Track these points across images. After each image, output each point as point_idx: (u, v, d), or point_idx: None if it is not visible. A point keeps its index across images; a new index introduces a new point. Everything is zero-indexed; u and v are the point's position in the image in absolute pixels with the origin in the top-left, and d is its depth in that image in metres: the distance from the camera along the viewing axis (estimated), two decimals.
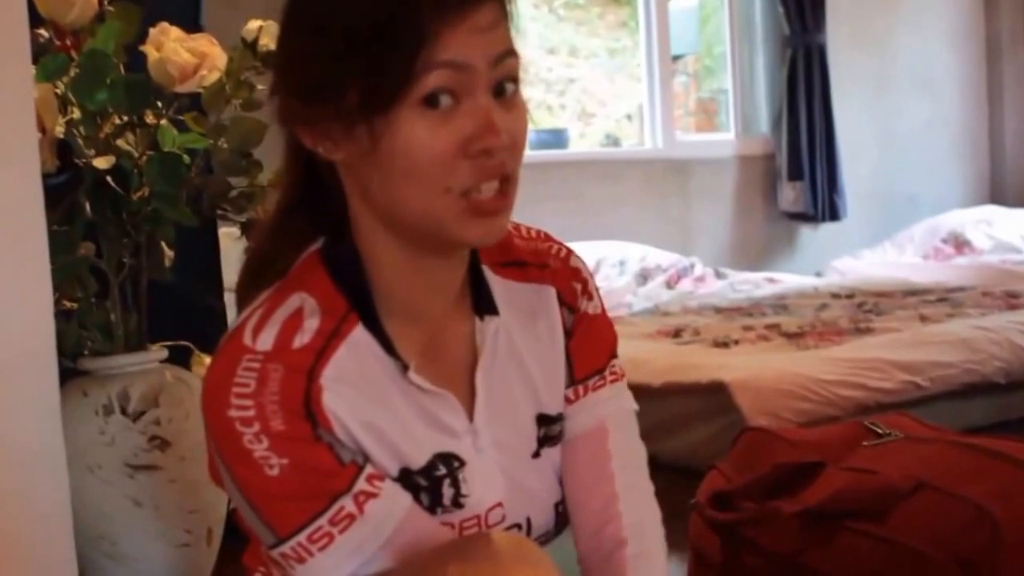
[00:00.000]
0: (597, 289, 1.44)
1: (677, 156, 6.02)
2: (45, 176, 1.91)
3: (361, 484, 1.20)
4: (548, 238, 1.43)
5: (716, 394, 3.38)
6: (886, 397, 3.45)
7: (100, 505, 2.12)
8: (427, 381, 1.26)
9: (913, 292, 4.89)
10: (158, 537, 2.17)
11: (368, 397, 1.23)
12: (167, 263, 2.29)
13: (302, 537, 1.19)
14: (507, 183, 1.20)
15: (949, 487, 1.69)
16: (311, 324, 1.22)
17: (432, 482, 1.26)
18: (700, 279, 5.45)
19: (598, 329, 1.42)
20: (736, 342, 4.01)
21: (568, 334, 1.39)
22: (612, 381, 1.42)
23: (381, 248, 1.25)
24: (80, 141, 2.11)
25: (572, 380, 1.39)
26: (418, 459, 1.26)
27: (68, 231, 2.12)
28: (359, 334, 1.24)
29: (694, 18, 6.59)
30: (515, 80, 1.20)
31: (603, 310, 1.43)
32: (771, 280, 5.45)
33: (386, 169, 1.17)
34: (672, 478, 3.39)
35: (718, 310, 4.75)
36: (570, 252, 1.42)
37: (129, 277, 2.25)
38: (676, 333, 4.24)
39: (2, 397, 1.78)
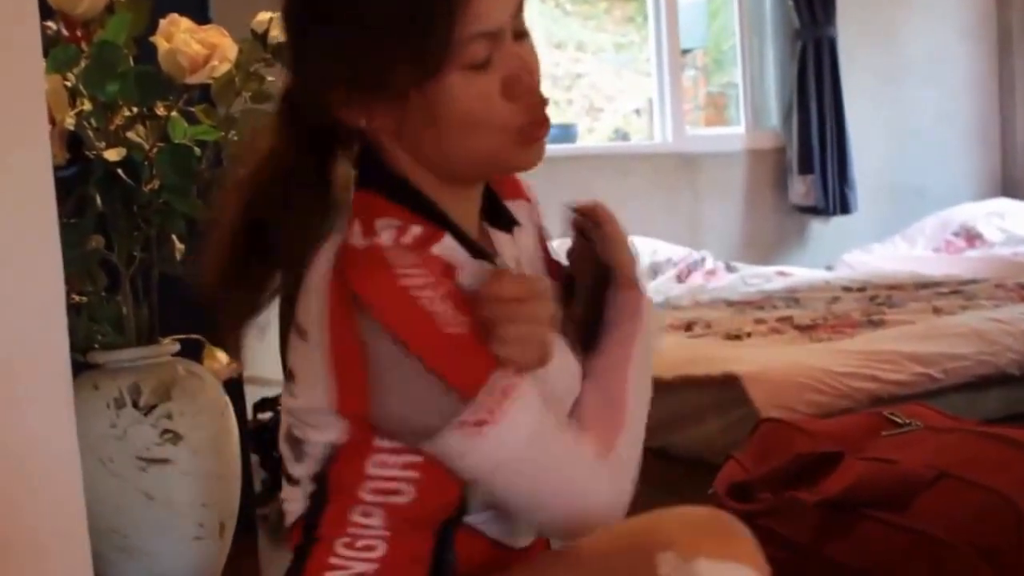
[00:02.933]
0: None
1: (687, 150, 6.00)
2: (55, 169, 1.89)
3: None
4: None
5: (729, 387, 3.36)
6: (900, 389, 3.42)
7: (112, 499, 2.12)
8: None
9: (925, 285, 4.86)
10: (170, 531, 2.17)
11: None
12: (178, 256, 2.28)
13: (495, 387, 1.23)
14: (547, 118, 1.35)
15: (971, 476, 1.67)
16: (411, 230, 1.30)
17: None
18: (711, 273, 5.43)
19: None
20: (748, 335, 3.99)
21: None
22: None
23: (429, 186, 1.35)
24: (90, 133, 2.11)
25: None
26: None
27: (78, 224, 2.12)
28: (448, 242, 1.31)
29: (703, 12, 6.57)
30: (525, 29, 1.34)
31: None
32: (782, 274, 5.42)
33: (444, 129, 1.30)
34: (685, 470, 3.40)
35: (729, 303, 4.72)
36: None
37: (140, 270, 2.24)
38: (688, 326, 4.22)
39: (15, 391, 1.77)
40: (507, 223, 1.45)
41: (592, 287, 1.47)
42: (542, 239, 1.54)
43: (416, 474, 1.30)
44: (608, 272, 1.46)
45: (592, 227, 1.46)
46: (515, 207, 1.49)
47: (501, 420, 1.23)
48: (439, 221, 1.33)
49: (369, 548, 1.32)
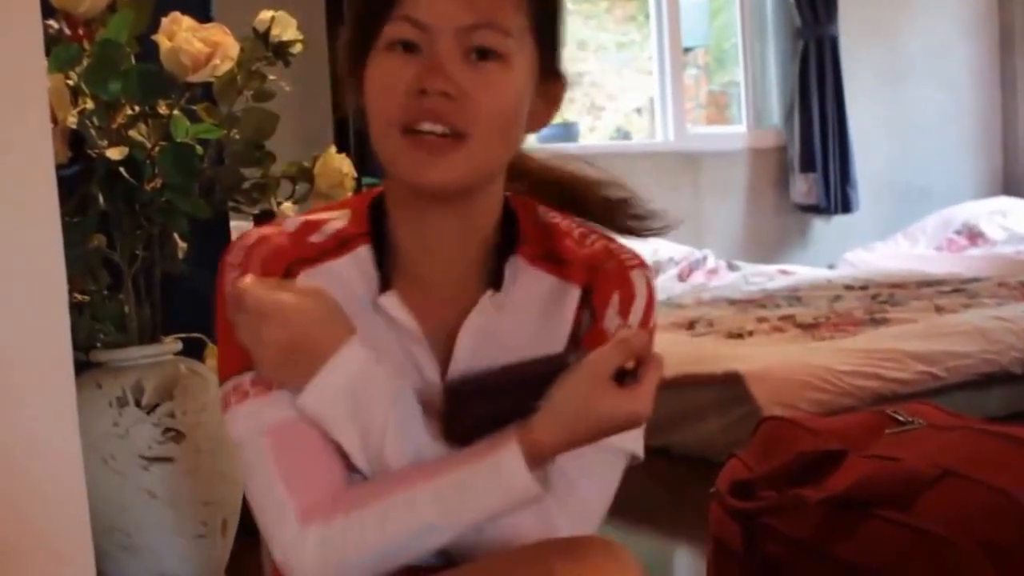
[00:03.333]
0: (647, 320, 1.34)
1: (688, 149, 6.00)
2: (57, 167, 1.89)
3: None
4: (622, 250, 1.37)
5: (731, 385, 3.37)
6: (902, 387, 3.43)
7: (115, 497, 2.12)
8: (413, 323, 1.29)
9: (928, 283, 4.86)
10: (173, 529, 2.16)
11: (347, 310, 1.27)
12: (180, 255, 2.28)
13: (229, 385, 1.26)
14: (459, 138, 1.24)
15: (975, 474, 1.67)
16: (332, 226, 1.32)
17: None
18: (713, 272, 5.43)
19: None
20: (751, 333, 4.00)
21: (576, 340, 1.34)
22: None
23: (394, 199, 1.33)
24: (93, 132, 2.11)
25: None
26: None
27: (81, 223, 2.12)
28: (364, 252, 1.31)
29: (704, 11, 6.57)
30: (492, 52, 1.25)
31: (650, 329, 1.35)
32: (784, 272, 5.43)
33: (366, 109, 1.28)
34: (687, 469, 3.40)
35: (731, 302, 4.73)
36: (639, 267, 1.35)
37: (142, 269, 2.24)
38: (690, 325, 4.22)
39: (18, 389, 1.77)
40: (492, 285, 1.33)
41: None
42: (594, 338, 1.32)
43: None
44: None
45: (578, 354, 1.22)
46: (546, 282, 1.34)
47: (226, 413, 1.26)
48: (377, 232, 1.32)
49: None
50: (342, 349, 1.22)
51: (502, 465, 1.19)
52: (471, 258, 1.33)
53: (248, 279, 1.24)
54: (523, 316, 1.33)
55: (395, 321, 1.29)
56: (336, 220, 1.32)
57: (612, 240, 1.38)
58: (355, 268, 1.30)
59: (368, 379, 1.23)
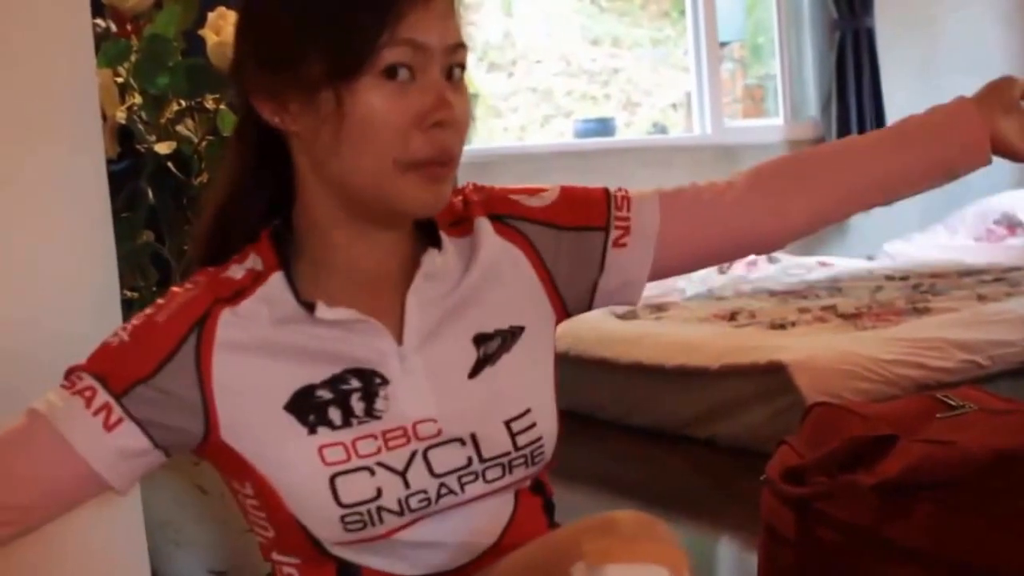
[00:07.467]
0: (525, 188, 1.45)
1: (726, 142, 5.99)
2: (107, 163, 1.91)
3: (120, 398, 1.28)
4: (458, 190, 1.45)
5: (774, 375, 3.36)
6: (946, 376, 3.41)
7: (166, 492, 2.13)
8: (354, 312, 1.30)
9: (969, 272, 4.84)
10: (223, 523, 2.18)
11: (269, 334, 1.29)
12: None
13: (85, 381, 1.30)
14: (453, 160, 1.27)
15: None
16: (246, 264, 1.31)
17: (338, 395, 1.29)
18: (753, 264, 5.41)
19: (572, 196, 1.44)
20: (793, 324, 3.98)
21: (536, 251, 1.40)
22: (629, 199, 1.45)
23: (328, 217, 1.30)
24: (141, 127, 2.12)
25: (606, 234, 1.42)
26: (322, 374, 1.29)
27: (130, 218, 2.13)
28: (276, 279, 1.30)
29: (740, 5, 6.55)
30: (463, 68, 1.28)
31: (558, 187, 1.45)
32: (823, 264, 5.41)
33: (343, 137, 1.23)
34: (731, 459, 3.40)
35: (772, 293, 4.71)
36: (475, 184, 1.45)
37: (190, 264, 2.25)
38: (732, 316, 4.21)
39: None
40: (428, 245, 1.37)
41: None
42: (559, 212, 1.42)
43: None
44: None
45: None
46: (465, 242, 1.39)
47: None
48: (286, 257, 1.32)
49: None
50: None
51: None
52: (400, 245, 1.36)
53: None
54: (462, 269, 1.37)
55: (334, 321, 1.30)
56: (247, 259, 1.32)
57: None
58: (270, 295, 1.30)
59: None
